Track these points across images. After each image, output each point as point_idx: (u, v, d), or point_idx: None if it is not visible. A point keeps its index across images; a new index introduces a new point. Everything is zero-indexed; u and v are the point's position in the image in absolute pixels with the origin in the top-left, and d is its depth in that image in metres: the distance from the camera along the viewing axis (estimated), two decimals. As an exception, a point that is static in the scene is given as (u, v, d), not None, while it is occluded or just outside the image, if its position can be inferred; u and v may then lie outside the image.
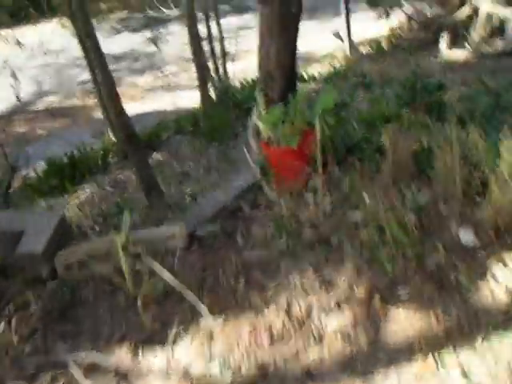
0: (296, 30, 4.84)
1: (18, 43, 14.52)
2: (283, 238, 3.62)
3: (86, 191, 6.45)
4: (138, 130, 8.51)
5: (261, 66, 4.87)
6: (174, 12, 8.98)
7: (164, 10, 9.37)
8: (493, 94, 5.36)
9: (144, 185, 5.08)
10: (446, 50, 9.10)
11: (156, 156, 6.98)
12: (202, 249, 3.92)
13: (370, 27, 11.80)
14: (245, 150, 5.01)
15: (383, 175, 3.66)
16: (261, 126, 4.28)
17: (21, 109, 12.09)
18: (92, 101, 11.61)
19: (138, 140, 5.10)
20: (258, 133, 4.52)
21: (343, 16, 11.00)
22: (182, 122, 7.64)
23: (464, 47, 8.79)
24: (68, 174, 6.87)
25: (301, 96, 4.21)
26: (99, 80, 5.12)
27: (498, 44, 8.60)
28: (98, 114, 10.28)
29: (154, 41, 11.95)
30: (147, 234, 4.11)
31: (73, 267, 3.83)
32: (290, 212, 3.78)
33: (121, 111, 4.86)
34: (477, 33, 8.68)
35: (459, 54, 8.76)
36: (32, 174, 7.32)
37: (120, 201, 5.70)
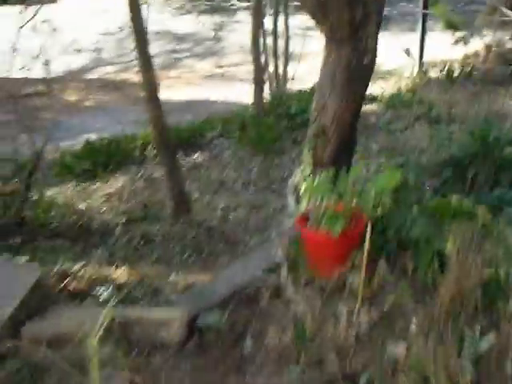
0: (365, 84, 4.10)
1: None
2: (300, 364, 2.82)
3: (117, 182, 6.13)
4: (186, 120, 8.38)
5: (314, 119, 4.10)
6: (244, 2, 8.56)
7: (234, 1, 8.86)
8: None
9: (172, 195, 4.72)
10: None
11: (197, 157, 6.61)
12: (198, 352, 3.08)
13: (445, 49, 11.17)
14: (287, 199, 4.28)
15: (440, 299, 2.81)
16: (302, 192, 3.67)
17: (76, 75, 11.88)
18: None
19: (169, 140, 4.68)
20: (297, 198, 3.99)
21: (418, 33, 10.46)
22: (230, 124, 7.24)
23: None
24: (103, 159, 6.55)
25: (356, 170, 3.52)
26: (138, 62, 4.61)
27: None
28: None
29: (218, 28, 11.55)
30: (138, 314, 3.25)
31: (40, 345, 2.98)
32: (316, 324, 2.97)
33: (156, 105, 4.45)
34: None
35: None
36: (71, 148, 7.03)
37: (147, 204, 5.35)
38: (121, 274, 3.58)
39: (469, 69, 10.19)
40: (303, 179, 3.80)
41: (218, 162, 6.47)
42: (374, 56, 3.94)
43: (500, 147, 4.89)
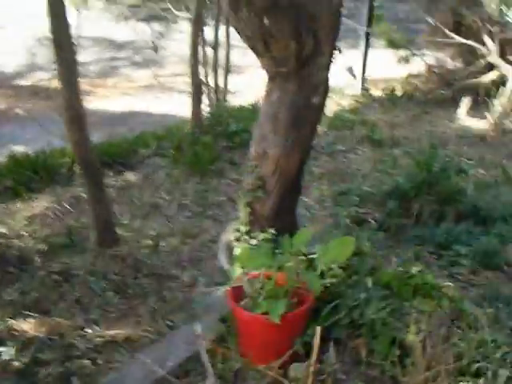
0: (313, 127, 3.52)
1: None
2: None
3: (41, 203, 5.66)
4: (120, 133, 7.97)
5: (252, 169, 3.53)
6: (183, 13, 8.22)
7: (174, 11, 8.49)
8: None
9: (96, 224, 4.31)
10: (465, 117, 8.41)
11: (128, 176, 6.20)
12: None
13: (388, 67, 11.08)
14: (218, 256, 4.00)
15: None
16: (235, 257, 3.23)
17: (5, 81, 11.27)
18: (85, 86, 10.94)
19: (94, 164, 4.24)
20: (230, 257, 3.57)
21: (361, 50, 10.34)
22: (165, 141, 6.86)
23: (484, 117, 8.11)
24: (27, 176, 6.06)
25: (304, 235, 2.86)
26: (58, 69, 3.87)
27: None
28: (87, 105, 9.58)
29: (159, 36, 11.16)
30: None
31: None
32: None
33: (80, 127, 4.00)
34: (501, 104, 7.99)
35: (478, 124, 8.07)
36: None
37: (72, 229, 4.91)
38: (30, 326, 3.13)
39: (411, 89, 10.13)
40: (237, 239, 3.46)
41: (151, 182, 6.07)
42: (326, 93, 3.39)
43: (446, 177, 4.69)
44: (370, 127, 7.69)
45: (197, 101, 6.78)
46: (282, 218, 3.51)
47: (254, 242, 3.36)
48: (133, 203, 5.62)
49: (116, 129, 8.42)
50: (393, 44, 10.97)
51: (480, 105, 8.76)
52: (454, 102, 9.08)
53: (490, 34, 9.34)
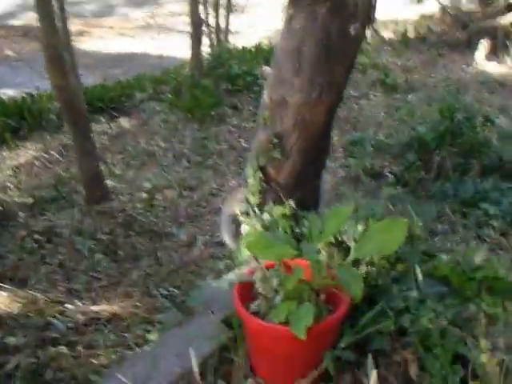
0: (349, 67, 2.70)
1: None
2: None
3: (27, 151, 5.22)
4: (115, 75, 7.48)
5: (265, 122, 2.75)
6: None
7: None
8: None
9: (84, 178, 3.88)
10: (483, 61, 7.86)
11: (123, 122, 5.74)
12: None
13: (399, 8, 10.45)
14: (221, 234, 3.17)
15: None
16: (243, 240, 2.53)
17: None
18: (80, 26, 10.40)
19: (81, 112, 3.77)
20: (236, 235, 2.79)
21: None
22: (163, 85, 6.37)
23: (504, 61, 7.58)
24: (14, 121, 5.60)
25: (342, 214, 2.01)
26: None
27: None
28: (81, 46, 9.07)
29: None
30: None
31: None
32: None
33: (60, 68, 3.46)
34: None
35: (497, 69, 7.54)
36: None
37: (59, 181, 4.49)
38: (2, 300, 2.68)
39: (424, 31, 9.55)
40: (245, 213, 2.73)
41: (147, 128, 5.61)
42: (367, 22, 2.58)
43: (471, 127, 4.23)
44: (382, 71, 7.17)
45: (196, 41, 6.25)
46: (303, 187, 2.77)
47: (266, 217, 2.66)
48: (127, 152, 5.18)
49: (111, 71, 7.93)
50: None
51: (499, 48, 8.21)
52: (470, 46, 8.55)
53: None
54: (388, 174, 4.31)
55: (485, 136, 4.39)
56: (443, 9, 9.86)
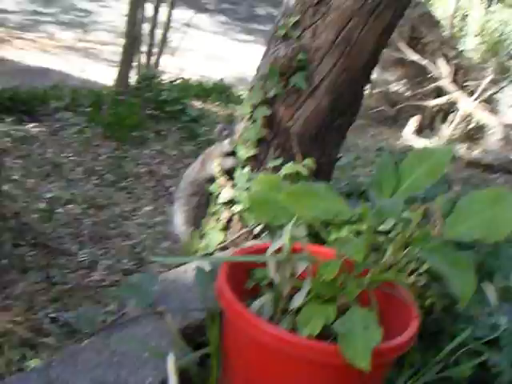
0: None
1: None
2: None
3: None
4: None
5: (287, 29, 1.89)
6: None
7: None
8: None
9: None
10: (411, 136, 7.80)
11: (32, 128, 5.09)
12: None
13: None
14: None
15: None
16: (239, 199, 1.84)
17: None
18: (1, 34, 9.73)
19: None
20: (198, 210, 2.04)
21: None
22: (81, 98, 5.79)
23: (431, 138, 7.55)
24: None
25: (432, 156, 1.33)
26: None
27: (472, 152, 7.42)
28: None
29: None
30: None
31: None
32: None
33: None
34: (449, 130, 7.45)
35: (424, 145, 7.48)
36: None
37: None
38: None
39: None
40: (226, 174, 1.95)
41: (58, 139, 5.00)
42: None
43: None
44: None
45: (128, 56, 5.76)
46: (321, 147, 1.94)
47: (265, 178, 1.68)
48: (31, 159, 4.54)
49: (29, 83, 7.30)
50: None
51: (426, 128, 8.24)
52: (397, 122, 8.55)
53: (445, 58, 8.87)
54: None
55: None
56: (372, 85, 9.89)
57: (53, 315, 2.37)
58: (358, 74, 1.93)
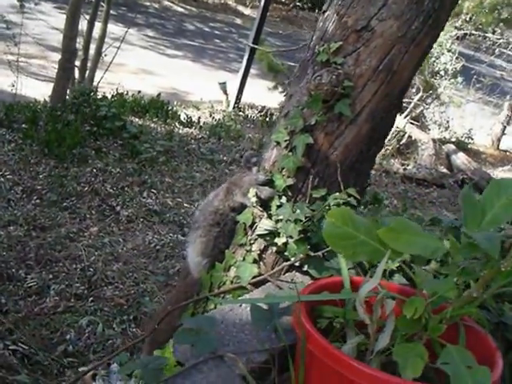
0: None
1: None
2: None
3: None
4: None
5: (327, 53, 1.82)
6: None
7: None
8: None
9: None
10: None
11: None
12: None
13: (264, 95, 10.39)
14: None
15: None
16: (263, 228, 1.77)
17: None
18: None
19: None
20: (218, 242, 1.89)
21: (241, 70, 9.60)
22: (16, 113, 5.55)
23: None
24: None
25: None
26: None
27: (406, 167, 7.60)
28: None
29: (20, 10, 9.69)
30: None
31: None
32: None
33: None
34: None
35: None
36: None
37: None
38: None
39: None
40: (259, 204, 1.87)
41: (-6, 158, 4.77)
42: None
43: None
44: (252, 142, 6.91)
45: (67, 71, 5.59)
46: (358, 172, 1.91)
47: (298, 213, 1.76)
48: (-35, 179, 4.32)
49: None
50: (272, 68, 10.38)
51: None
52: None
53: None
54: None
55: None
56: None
57: (12, 347, 2.23)
58: (395, 101, 1.91)
